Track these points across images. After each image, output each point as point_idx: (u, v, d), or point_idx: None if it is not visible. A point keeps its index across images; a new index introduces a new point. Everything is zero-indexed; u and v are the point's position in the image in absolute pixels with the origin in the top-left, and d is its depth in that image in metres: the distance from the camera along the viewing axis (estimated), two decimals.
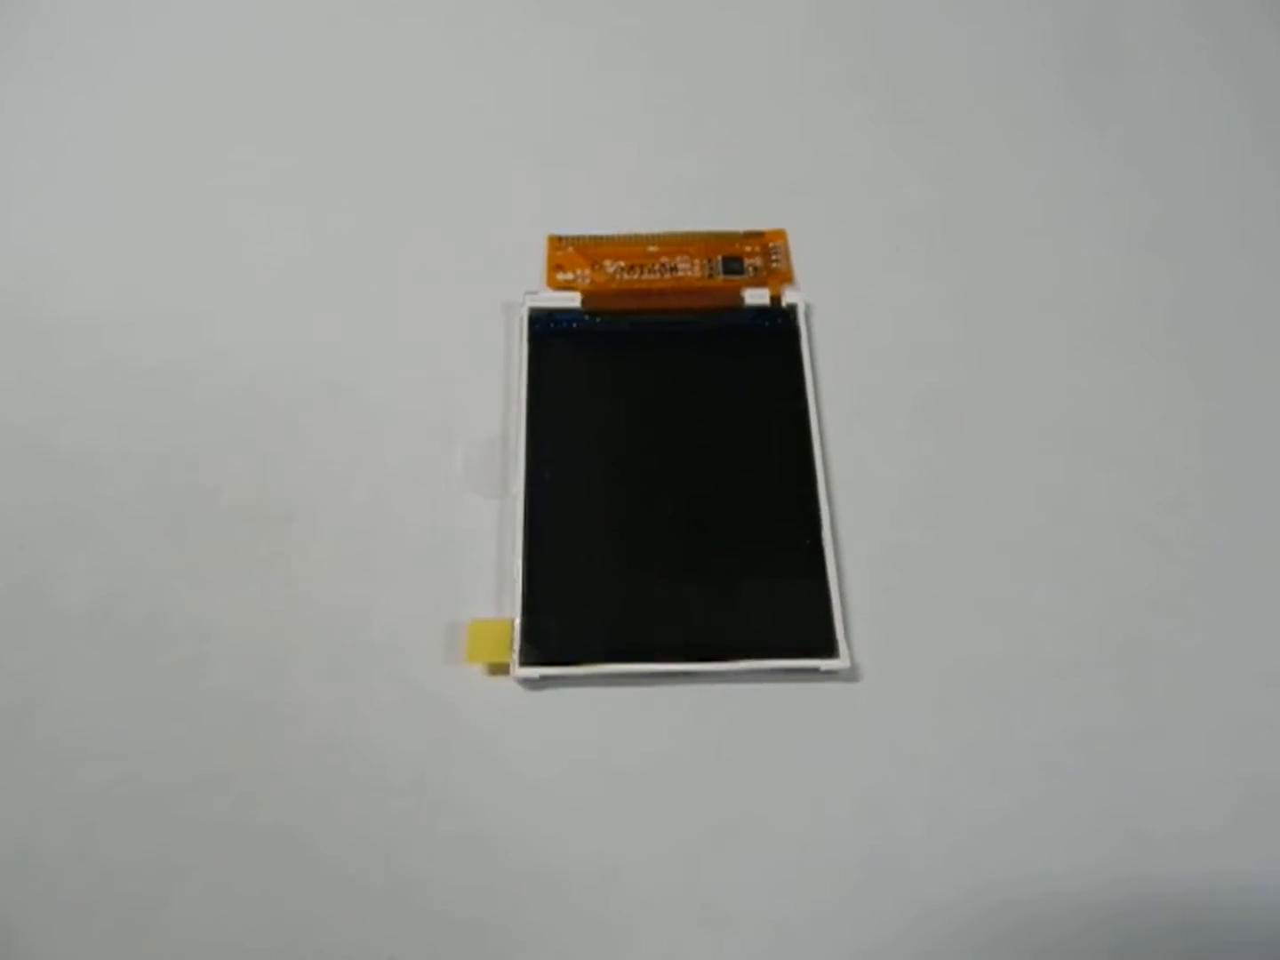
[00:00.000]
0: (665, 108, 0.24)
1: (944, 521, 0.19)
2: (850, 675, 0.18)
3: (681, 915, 0.16)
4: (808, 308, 0.21)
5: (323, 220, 0.22)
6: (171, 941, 0.16)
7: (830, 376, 0.21)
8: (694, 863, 0.17)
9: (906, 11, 0.26)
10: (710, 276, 0.21)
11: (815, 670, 0.18)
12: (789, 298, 0.21)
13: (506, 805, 0.17)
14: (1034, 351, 0.21)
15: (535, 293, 0.21)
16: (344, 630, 0.18)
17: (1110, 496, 0.20)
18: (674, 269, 0.21)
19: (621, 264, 0.21)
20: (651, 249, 0.22)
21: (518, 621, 0.18)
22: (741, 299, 0.21)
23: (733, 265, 0.21)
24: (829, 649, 0.18)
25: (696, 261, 0.21)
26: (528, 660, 0.17)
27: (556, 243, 0.22)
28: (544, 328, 0.21)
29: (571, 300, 0.21)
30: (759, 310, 0.21)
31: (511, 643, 0.18)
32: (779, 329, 0.21)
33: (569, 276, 0.21)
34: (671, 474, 0.19)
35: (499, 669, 0.18)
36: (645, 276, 0.21)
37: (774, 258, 0.22)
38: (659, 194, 0.23)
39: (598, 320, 0.21)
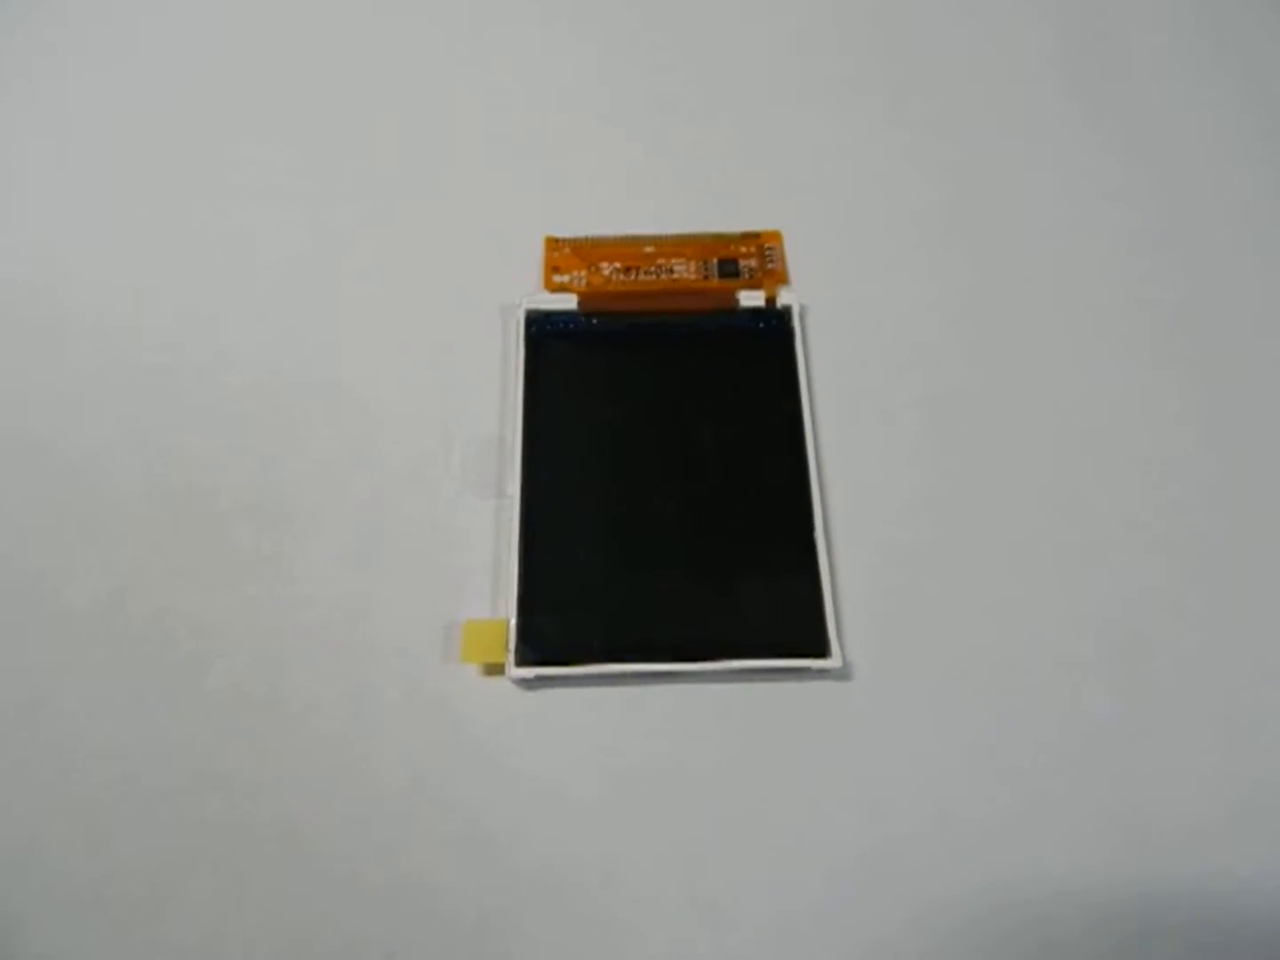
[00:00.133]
0: (661, 110, 0.24)
1: (937, 521, 0.19)
2: (842, 674, 0.18)
3: (679, 913, 0.16)
4: (802, 309, 0.21)
5: (322, 221, 0.23)
6: (174, 938, 0.16)
7: (825, 377, 0.21)
8: (690, 861, 0.17)
9: (904, 12, 0.26)
10: (706, 278, 0.21)
11: (807, 670, 0.18)
12: (784, 299, 0.21)
13: (504, 804, 0.17)
14: (1028, 352, 0.21)
15: (532, 294, 0.21)
16: (343, 629, 0.18)
17: (1107, 496, 0.20)
18: (670, 271, 0.21)
19: (618, 266, 0.22)
20: (648, 250, 0.22)
21: (513, 622, 0.18)
22: (737, 300, 0.21)
23: (728, 267, 0.22)
24: (821, 648, 0.18)
25: (692, 263, 0.22)
26: (523, 660, 0.18)
27: (553, 244, 0.22)
28: (541, 329, 0.21)
29: (568, 302, 0.21)
30: (754, 312, 0.21)
31: (507, 643, 0.18)
32: (774, 330, 0.21)
33: (566, 278, 0.21)
34: (666, 474, 0.19)
35: (495, 669, 0.18)
36: (641, 278, 0.21)
37: (769, 259, 0.22)
38: (655, 196, 0.23)
39: (594, 322, 0.21)
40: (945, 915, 0.16)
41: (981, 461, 0.20)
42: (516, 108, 0.24)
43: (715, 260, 0.22)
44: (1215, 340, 0.21)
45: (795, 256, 0.22)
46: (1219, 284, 0.22)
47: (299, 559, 0.19)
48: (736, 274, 0.21)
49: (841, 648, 0.18)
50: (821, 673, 0.18)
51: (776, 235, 0.22)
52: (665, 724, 0.18)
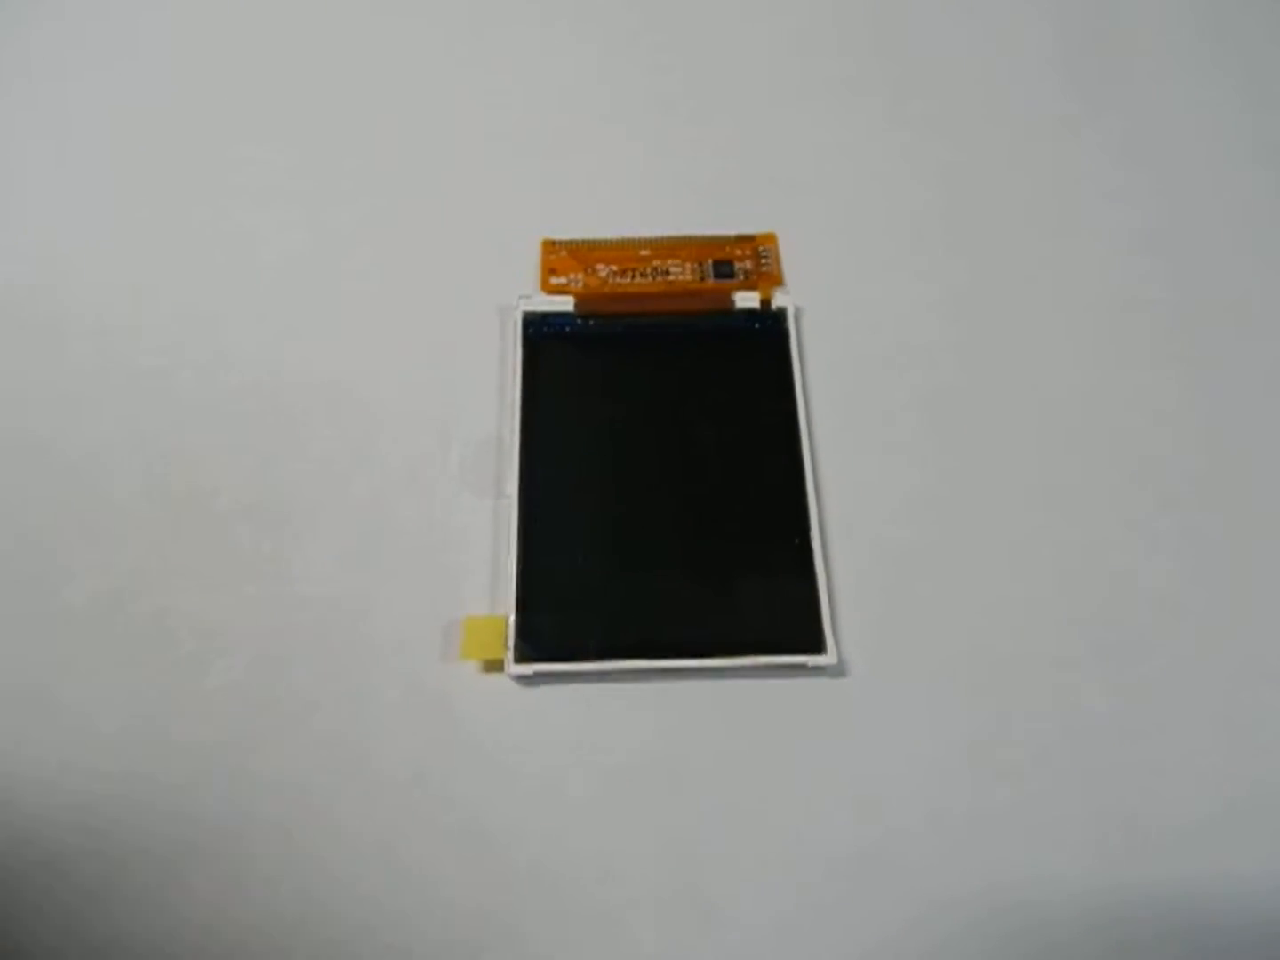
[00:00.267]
0: (658, 112, 0.24)
1: (933, 520, 0.20)
2: (838, 671, 0.18)
3: (675, 910, 0.17)
4: (797, 310, 0.21)
5: (322, 223, 0.23)
6: (177, 934, 0.16)
7: (819, 378, 0.21)
8: (686, 857, 0.17)
9: (902, 13, 0.26)
10: (702, 280, 0.22)
11: (803, 666, 0.18)
12: (779, 300, 0.21)
13: (502, 800, 0.17)
14: (1025, 352, 0.21)
15: (529, 296, 0.21)
16: (343, 627, 0.19)
17: (1103, 495, 0.20)
18: (666, 273, 0.22)
19: (614, 268, 0.22)
20: (644, 253, 0.22)
21: (512, 619, 0.18)
22: (732, 302, 0.21)
23: (723, 269, 0.22)
24: (817, 645, 0.18)
25: (688, 265, 0.22)
26: (522, 657, 0.18)
27: (550, 247, 0.22)
28: (538, 331, 0.21)
29: (565, 304, 0.21)
30: (749, 313, 0.21)
31: (506, 640, 0.18)
32: (769, 331, 0.21)
33: (563, 280, 0.22)
34: (663, 474, 0.20)
35: (494, 666, 0.18)
36: (637, 280, 0.22)
37: (764, 261, 0.22)
38: (651, 198, 0.23)
39: (591, 323, 0.21)
40: (942, 915, 0.16)
41: (978, 461, 0.20)
42: (515, 110, 0.24)
43: (711, 262, 0.22)
44: (1215, 340, 0.21)
45: (790, 258, 0.22)
46: (1219, 284, 0.22)
47: (299, 559, 0.19)
48: (732, 275, 0.22)
49: (837, 645, 0.18)
50: (817, 669, 0.18)
51: (771, 237, 0.22)
52: (662, 720, 0.18)
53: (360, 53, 0.25)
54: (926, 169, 0.24)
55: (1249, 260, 0.22)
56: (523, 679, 0.18)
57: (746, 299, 0.21)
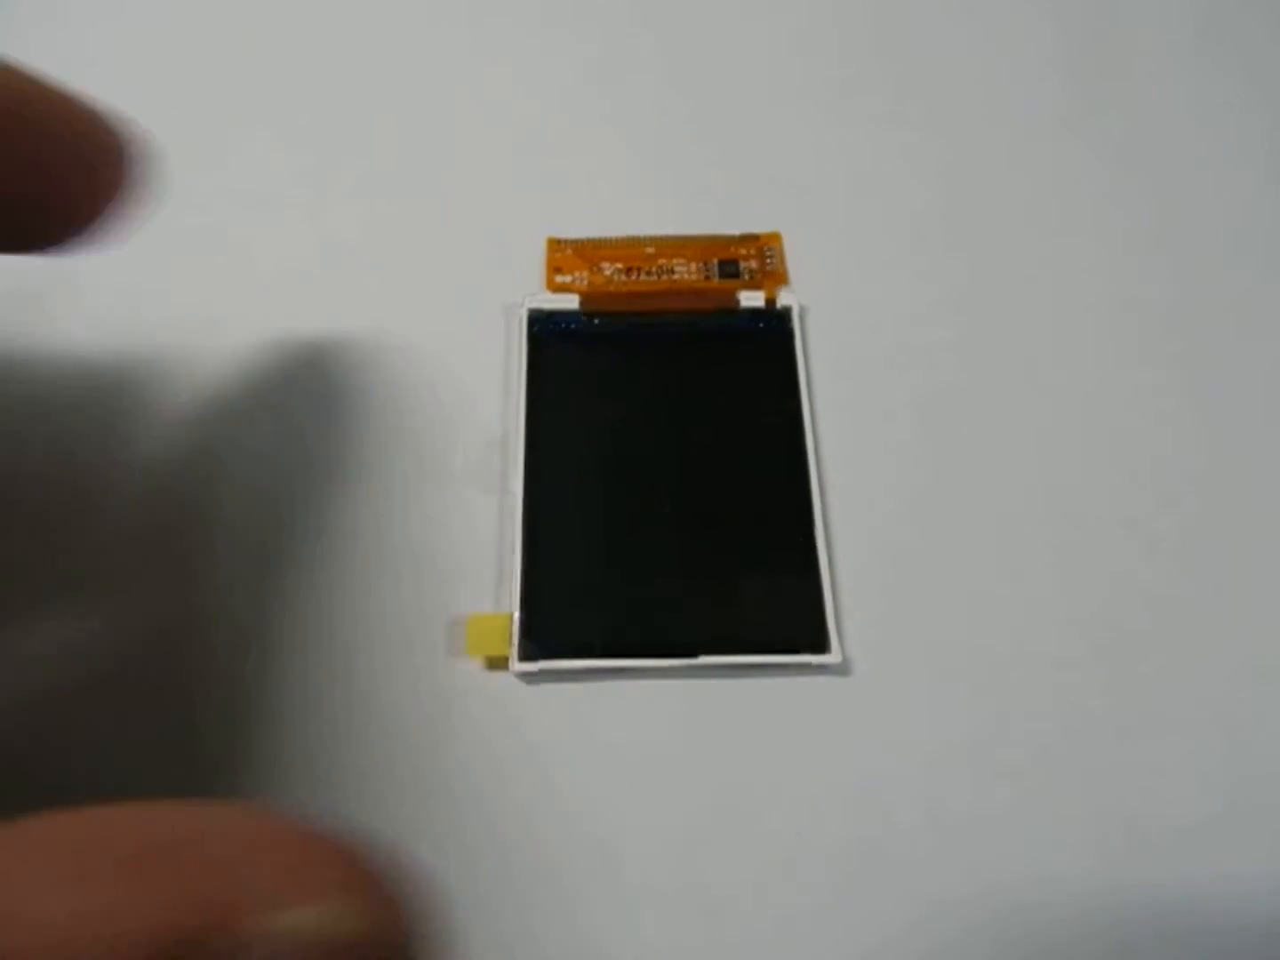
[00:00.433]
0: (662, 111, 0.24)
1: (937, 520, 0.20)
2: (842, 670, 0.18)
3: (681, 906, 0.17)
4: (802, 309, 0.21)
5: (324, 222, 0.23)
6: None
7: (824, 377, 0.21)
8: (689, 854, 0.17)
9: (904, 13, 0.26)
10: (706, 279, 0.22)
11: (807, 665, 0.18)
12: (784, 300, 0.21)
13: (505, 797, 0.17)
14: (1029, 352, 0.21)
15: (534, 294, 0.21)
16: (345, 626, 0.19)
17: (1104, 495, 0.20)
18: (671, 271, 0.22)
19: (619, 266, 0.22)
20: (649, 251, 0.22)
21: (517, 616, 0.18)
22: (737, 301, 0.21)
23: (728, 268, 0.22)
24: (821, 644, 0.18)
25: (693, 264, 0.22)
26: (526, 655, 0.18)
27: (555, 245, 0.22)
28: (543, 329, 0.21)
29: (570, 302, 0.21)
30: (754, 312, 0.21)
31: (510, 637, 0.18)
32: (774, 330, 0.21)
33: (567, 279, 0.22)
34: (667, 472, 0.20)
35: (498, 663, 0.18)
36: (642, 279, 0.22)
37: (769, 260, 0.22)
38: (656, 197, 0.23)
39: (596, 322, 0.21)
40: (942, 914, 0.17)
41: (981, 461, 0.20)
42: (519, 108, 0.24)
43: (716, 261, 0.22)
44: (1215, 340, 0.22)
45: (795, 257, 0.22)
46: (1219, 284, 0.22)
47: (299, 558, 0.19)
48: (737, 275, 0.22)
49: (841, 644, 0.18)
50: (821, 668, 0.18)
51: (776, 236, 0.22)
52: (665, 718, 0.18)
53: (361, 52, 0.25)
54: (928, 169, 0.24)
55: (1250, 260, 0.22)
56: (527, 676, 0.18)
57: (751, 298, 0.21)
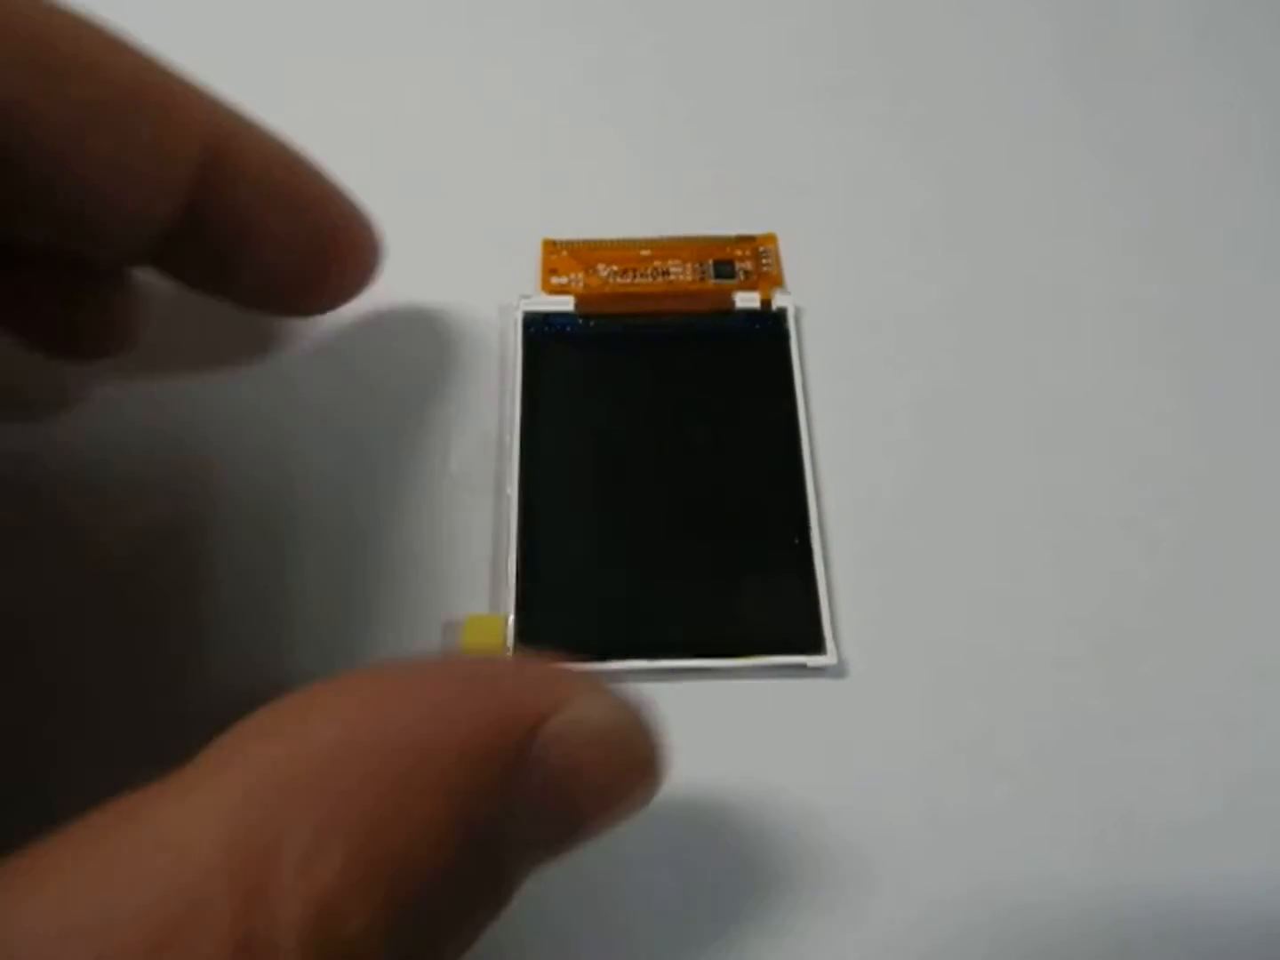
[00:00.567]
0: (658, 112, 0.24)
1: (933, 521, 0.20)
2: (838, 671, 0.18)
3: (673, 911, 0.17)
4: (798, 311, 0.21)
5: None
6: None
7: (820, 378, 0.21)
8: (683, 857, 0.17)
9: (903, 13, 0.26)
10: (702, 280, 0.22)
11: (803, 666, 0.18)
12: (779, 301, 0.21)
13: None
14: (1027, 353, 0.21)
15: (530, 296, 0.21)
16: (344, 626, 0.19)
17: (1102, 495, 0.20)
18: (666, 273, 0.22)
19: (615, 268, 0.22)
20: (644, 253, 0.22)
21: (512, 618, 0.18)
22: (732, 302, 0.21)
23: (724, 269, 0.22)
24: (817, 645, 0.18)
25: (688, 265, 0.22)
26: None
27: (551, 247, 0.22)
28: (539, 330, 0.21)
29: (565, 304, 0.21)
30: (749, 314, 0.21)
31: (506, 638, 0.18)
32: (770, 331, 0.21)
33: (563, 280, 0.22)
34: (662, 473, 0.20)
35: None
36: (638, 280, 0.22)
37: (764, 261, 0.22)
38: (652, 198, 0.23)
39: (591, 323, 0.21)
40: (941, 914, 0.16)
41: (978, 461, 0.20)
42: (514, 110, 0.24)
43: (711, 262, 0.22)
44: (1215, 340, 0.21)
45: (791, 259, 0.22)
46: (1219, 284, 0.22)
47: (298, 558, 0.19)
48: (732, 276, 0.22)
49: (837, 645, 0.18)
50: (817, 670, 0.18)
51: (772, 238, 0.22)
52: (662, 720, 0.18)
53: (358, 51, 0.25)
54: (927, 169, 0.24)
55: (1249, 260, 0.22)
56: None
57: (747, 299, 0.21)
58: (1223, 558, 0.19)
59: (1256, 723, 0.18)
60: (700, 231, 0.22)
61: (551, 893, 0.16)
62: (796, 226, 0.22)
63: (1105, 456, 0.20)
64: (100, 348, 0.19)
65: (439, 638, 0.18)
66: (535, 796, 0.11)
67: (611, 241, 0.22)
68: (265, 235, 0.17)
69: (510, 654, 0.18)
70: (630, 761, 0.12)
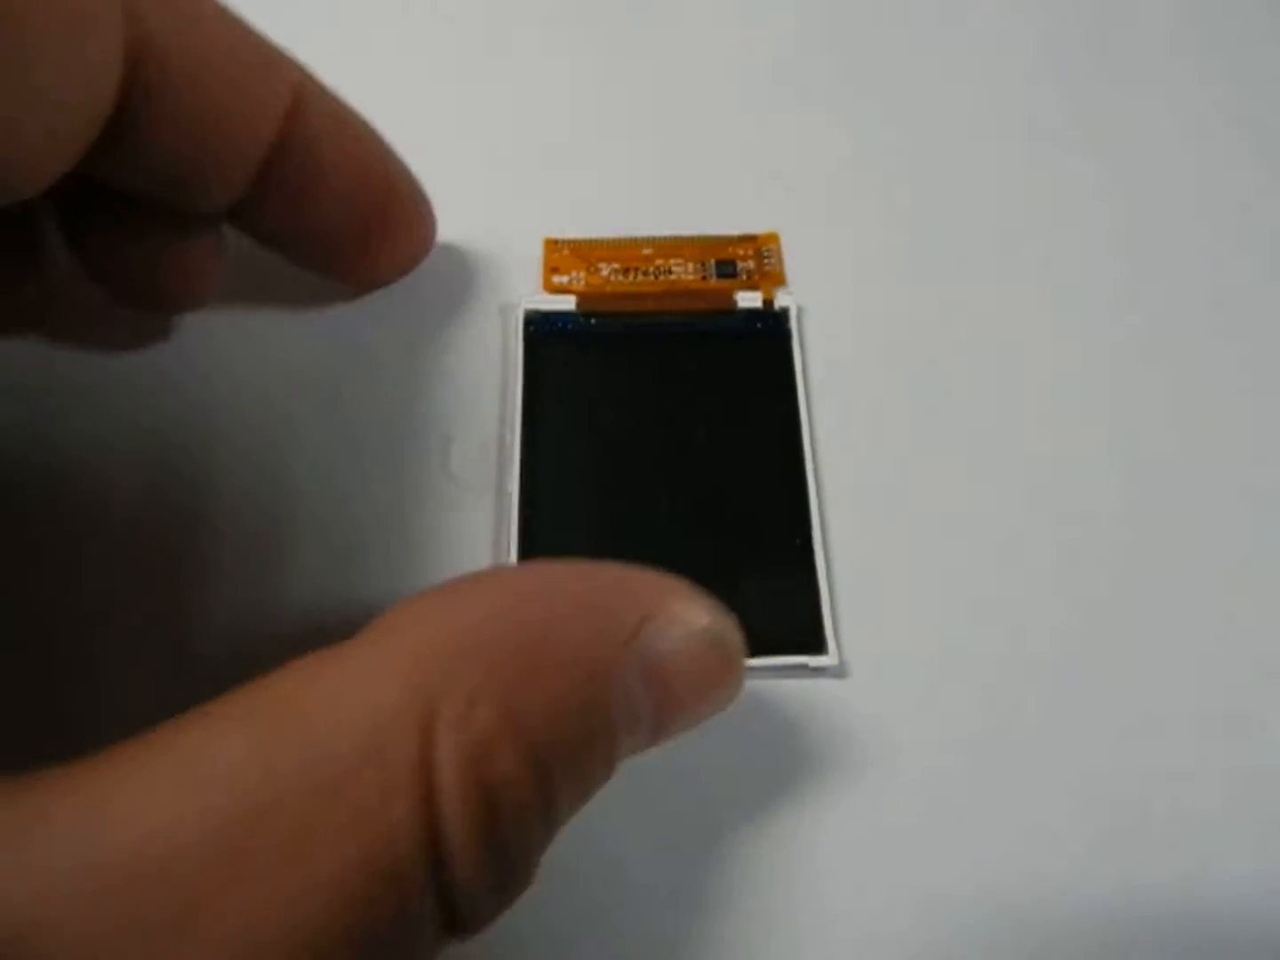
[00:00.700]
0: (660, 111, 0.24)
1: (935, 520, 0.20)
2: (839, 672, 0.18)
3: (675, 908, 0.17)
4: (800, 310, 0.21)
5: None
6: None
7: (822, 378, 0.21)
8: (683, 855, 0.17)
9: (904, 14, 0.26)
10: (704, 279, 0.22)
11: (804, 666, 0.18)
12: (781, 300, 0.21)
13: None
14: (1027, 354, 0.21)
15: (532, 295, 0.21)
16: (344, 626, 0.18)
17: (1104, 494, 0.20)
18: (668, 272, 0.22)
19: (616, 267, 0.22)
20: (646, 252, 0.22)
21: None
22: (734, 302, 0.21)
23: (726, 268, 0.22)
24: (818, 645, 0.18)
25: (690, 265, 0.22)
26: None
27: (552, 245, 0.22)
28: (540, 330, 0.21)
29: (567, 303, 0.21)
30: (751, 313, 0.21)
31: None
32: (772, 331, 0.21)
33: (565, 279, 0.22)
34: (664, 472, 0.20)
35: None
36: (640, 279, 0.22)
37: (766, 261, 0.22)
38: (654, 197, 0.23)
39: (592, 322, 0.21)
40: (940, 913, 0.17)
41: (980, 461, 0.20)
42: (517, 108, 0.24)
43: (713, 262, 0.22)
44: (1213, 341, 0.21)
45: (793, 258, 0.22)
46: (1217, 286, 0.22)
47: (297, 558, 0.19)
48: (734, 275, 0.22)
49: (839, 645, 0.18)
50: (819, 670, 0.18)
51: (774, 237, 0.22)
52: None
53: (359, 50, 0.25)
54: (926, 170, 0.24)
55: (1252, 262, 0.22)
56: None
57: (749, 299, 0.21)
58: (1224, 558, 0.19)
59: (1257, 722, 0.18)
60: (702, 230, 0.22)
61: (551, 891, 0.16)
62: (799, 226, 0.22)
63: (1106, 455, 0.20)
64: (183, 300, 0.20)
65: None
66: (640, 682, 0.13)
67: (613, 240, 0.22)
68: (334, 191, 0.18)
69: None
70: (719, 659, 0.14)
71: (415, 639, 0.12)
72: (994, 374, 0.21)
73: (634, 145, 0.24)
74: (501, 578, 0.13)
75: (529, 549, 0.19)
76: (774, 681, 0.18)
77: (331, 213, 0.19)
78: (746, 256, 0.22)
